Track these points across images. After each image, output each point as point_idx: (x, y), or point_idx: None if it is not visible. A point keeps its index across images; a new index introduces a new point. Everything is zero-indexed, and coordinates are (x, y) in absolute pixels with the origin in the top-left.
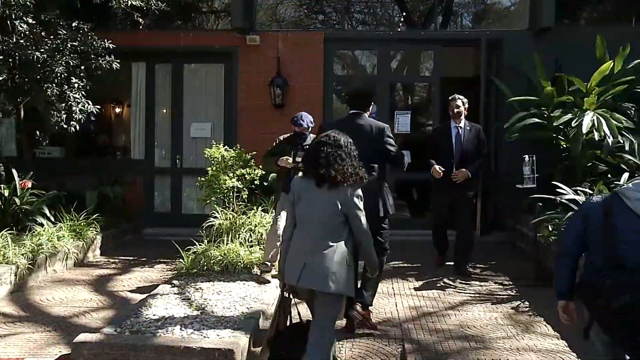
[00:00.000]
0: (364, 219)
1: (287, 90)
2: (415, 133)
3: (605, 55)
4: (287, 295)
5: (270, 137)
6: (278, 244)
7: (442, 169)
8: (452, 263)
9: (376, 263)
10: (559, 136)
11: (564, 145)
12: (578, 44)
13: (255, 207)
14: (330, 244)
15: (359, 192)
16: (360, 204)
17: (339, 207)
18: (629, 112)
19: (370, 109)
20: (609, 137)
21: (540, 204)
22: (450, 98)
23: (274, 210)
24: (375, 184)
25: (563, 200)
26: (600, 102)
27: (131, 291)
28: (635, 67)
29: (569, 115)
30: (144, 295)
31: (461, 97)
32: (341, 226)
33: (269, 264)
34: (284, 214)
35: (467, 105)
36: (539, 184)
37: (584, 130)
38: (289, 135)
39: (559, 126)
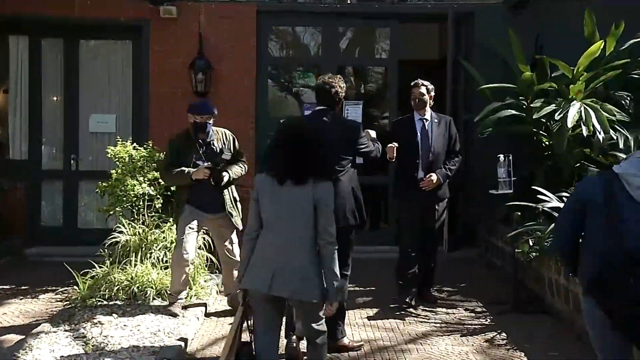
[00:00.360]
0: (332, 221)
1: (211, 75)
2: (368, 127)
3: (595, 34)
4: (249, 306)
5: None
6: (187, 269)
7: (396, 144)
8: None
9: (337, 280)
10: (540, 131)
11: (547, 142)
12: (563, 21)
13: (171, 219)
14: (300, 246)
15: (330, 186)
16: (331, 201)
17: (309, 204)
18: (623, 102)
19: (342, 106)
20: (599, 133)
21: (519, 213)
22: (412, 84)
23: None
24: (344, 187)
25: (546, 209)
26: (589, 90)
27: (5, 330)
28: (631, 48)
29: (552, 106)
30: (23, 336)
31: (425, 82)
32: (311, 227)
33: (178, 295)
34: (191, 234)
35: (432, 93)
36: (516, 189)
37: (570, 124)
38: (182, 131)
39: (540, 119)
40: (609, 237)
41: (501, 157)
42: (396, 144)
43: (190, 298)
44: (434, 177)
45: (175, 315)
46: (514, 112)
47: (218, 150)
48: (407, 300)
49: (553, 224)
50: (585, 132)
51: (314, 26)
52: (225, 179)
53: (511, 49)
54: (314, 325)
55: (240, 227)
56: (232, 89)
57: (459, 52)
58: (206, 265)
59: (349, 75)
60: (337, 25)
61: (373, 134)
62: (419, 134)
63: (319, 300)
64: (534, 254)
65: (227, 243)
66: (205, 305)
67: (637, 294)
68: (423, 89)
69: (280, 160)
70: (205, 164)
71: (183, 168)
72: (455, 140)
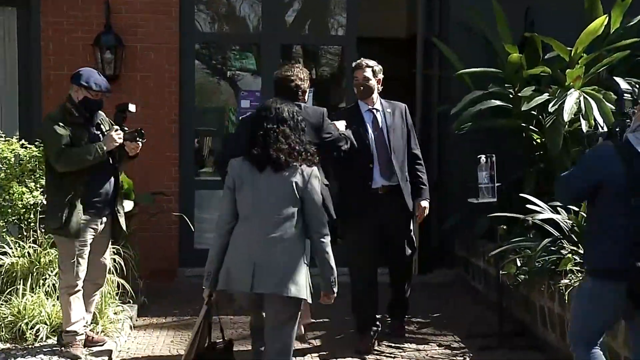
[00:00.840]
0: (322, 210)
1: (122, 54)
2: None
3: (598, 6)
4: (213, 307)
5: None
6: (79, 307)
7: (345, 123)
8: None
9: (333, 272)
10: (531, 126)
11: (538, 140)
12: None
13: None
14: (283, 238)
15: (316, 171)
16: (318, 187)
17: (293, 192)
18: (631, 91)
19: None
20: (602, 128)
21: (504, 227)
22: (353, 66)
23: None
24: None
25: (536, 221)
26: (590, 75)
27: None
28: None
29: (545, 96)
30: None
31: (371, 63)
32: (294, 217)
33: (75, 333)
34: (83, 261)
35: (381, 76)
36: (501, 197)
37: (566, 117)
38: (57, 110)
39: (530, 111)
40: (635, 223)
41: (482, 158)
42: (345, 123)
43: (98, 334)
44: (424, 204)
45: (76, 358)
46: (498, 102)
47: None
48: (368, 345)
49: (546, 241)
50: (585, 127)
51: None
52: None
53: (495, 26)
54: (283, 337)
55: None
56: (149, 72)
57: (431, 29)
58: (117, 294)
59: (296, 57)
60: None
61: (341, 125)
62: (369, 130)
63: (302, 300)
64: (522, 276)
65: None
66: (115, 343)
67: None
68: (368, 72)
69: (260, 144)
70: (115, 128)
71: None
72: (412, 136)
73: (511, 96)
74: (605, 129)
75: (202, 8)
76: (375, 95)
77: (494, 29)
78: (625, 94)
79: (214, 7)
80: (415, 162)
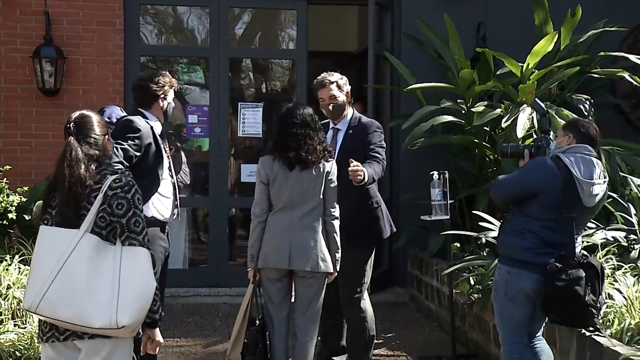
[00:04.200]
0: (335, 194)
1: (63, 67)
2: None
3: (548, 23)
4: (257, 284)
5: (37, 143)
6: None
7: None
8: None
9: (338, 250)
10: (484, 142)
11: (491, 156)
12: (509, 5)
13: (9, 256)
14: (312, 224)
15: (334, 165)
16: (335, 178)
17: (318, 185)
18: (581, 106)
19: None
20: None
21: (457, 245)
22: (315, 84)
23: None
24: None
25: (489, 239)
26: (542, 91)
27: None
28: (589, 40)
29: (497, 111)
30: None
31: (334, 77)
32: (319, 206)
33: None
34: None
35: (347, 88)
36: (453, 215)
37: (520, 133)
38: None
39: (482, 127)
40: (561, 232)
41: (435, 174)
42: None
43: None
44: (356, 164)
45: None
46: (451, 118)
47: None
48: None
49: (497, 259)
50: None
51: (201, 6)
52: None
53: (447, 40)
54: (312, 306)
55: None
56: (92, 86)
57: (381, 42)
58: None
59: (246, 70)
60: (230, 5)
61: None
62: (336, 150)
63: (323, 275)
64: (476, 295)
65: None
66: None
67: (580, 286)
68: (334, 89)
69: (292, 147)
70: None
71: None
72: (372, 145)
73: (463, 112)
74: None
75: (149, 20)
76: (350, 112)
77: (446, 44)
78: (547, 114)
79: (160, 19)
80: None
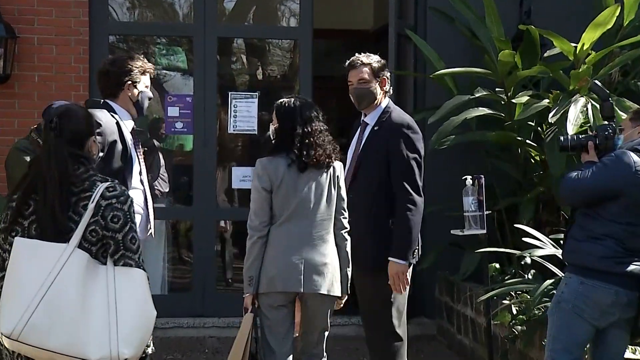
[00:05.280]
0: (345, 201)
1: (14, 48)
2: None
3: None
4: (256, 313)
5: None
6: None
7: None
8: None
9: (350, 268)
10: (528, 140)
11: (537, 157)
12: None
13: None
14: (326, 237)
15: (341, 165)
16: (343, 179)
17: (331, 189)
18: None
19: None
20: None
21: (496, 265)
22: (347, 65)
23: None
24: None
25: (535, 258)
26: (600, 77)
27: None
28: None
29: (544, 102)
30: None
31: (367, 57)
32: (332, 215)
33: None
34: None
35: (386, 74)
36: (491, 228)
37: (571, 129)
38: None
39: (526, 122)
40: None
41: (469, 179)
42: None
43: None
44: (395, 267)
45: None
46: (487, 110)
47: None
48: None
49: (547, 282)
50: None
51: None
52: None
53: (483, 16)
54: (321, 327)
55: None
56: (50, 72)
57: (405, 19)
58: None
59: (238, 53)
60: None
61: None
62: (350, 148)
63: (334, 297)
64: (519, 327)
65: None
66: None
67: None
68: (365, 72)
69: (304, 145)
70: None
71: None
72: (399, 171)
73: (503, 103)
74: (590, 134)
75: None
76: (385, 102)
77: (483, 20)
78: (609, 98)
79: None
80: (398, 203)
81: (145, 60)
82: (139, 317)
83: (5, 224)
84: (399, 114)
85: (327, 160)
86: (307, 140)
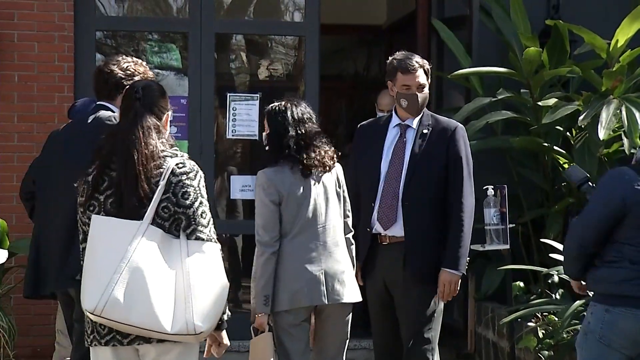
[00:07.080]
0: (349, 204)
1: None
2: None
3: None
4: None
5: None
6: None
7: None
8: None
9: (354, 265)
10: (556, 146)
11: (566, 165)
12: None
13: None
14: (339, 243)
15: (340, 167)
16: (344, 180)
17: (336, 192)
18: None
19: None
20: None
21: (521, 284)
22: (396, 66)
23: None
24: None
25: (564, 276)
26: (635, 77)
27: None
28: None
29: (574, 105)
30: None
31: (418, 58)
32: (341, 219)
33: None
34: None
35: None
36: (515, 243)
37: (603, 134)
38: None
39: (554, 126)
40: None
41: (490, 190)
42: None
43: None
44: (446, 276)
45: None
46: (511, 113)
47: None
48: None
49: (577, 303)
50: (628, 149)
51: None
52: None
53: (508, 10)
54: (341, 335)
55: None
56: (31, 71)
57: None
58: None
59: (237, 51)
60: None
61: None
62: (385, 152)
63: (351, 305)
64: (546, 352)
65: None
66: None
67: None
68: (421, 76)
69: (307, 148)
70: None
71: None
72: (458, 178)
73: (529, 105)
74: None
75: None
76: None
77: (507, 14)
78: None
79: None
80: (453, 210)
81: (147, 68)
82: (213, 291)
83: (82, 198)
84: (446, 118)
85: (330, 161)
86: (302, 142)
